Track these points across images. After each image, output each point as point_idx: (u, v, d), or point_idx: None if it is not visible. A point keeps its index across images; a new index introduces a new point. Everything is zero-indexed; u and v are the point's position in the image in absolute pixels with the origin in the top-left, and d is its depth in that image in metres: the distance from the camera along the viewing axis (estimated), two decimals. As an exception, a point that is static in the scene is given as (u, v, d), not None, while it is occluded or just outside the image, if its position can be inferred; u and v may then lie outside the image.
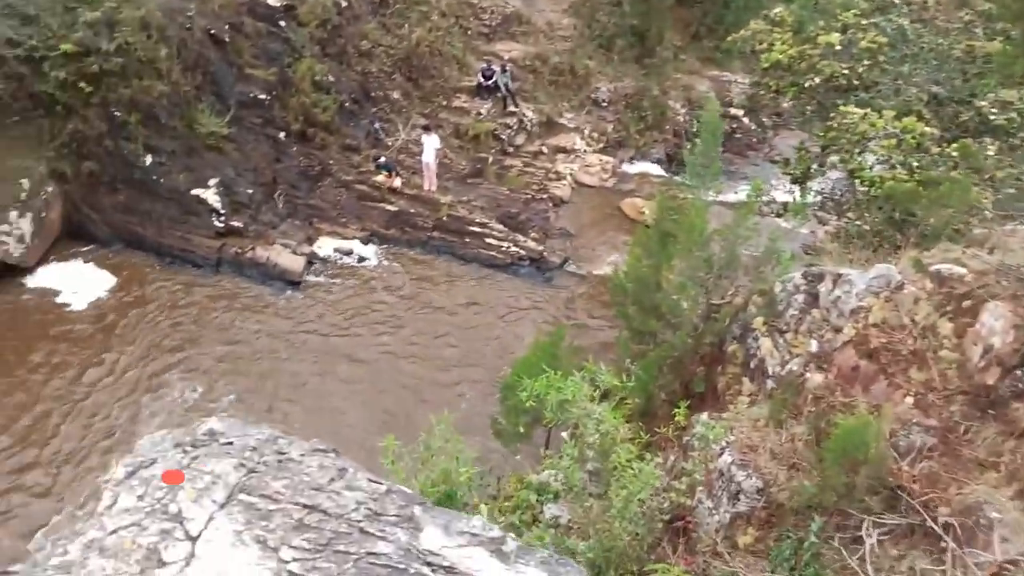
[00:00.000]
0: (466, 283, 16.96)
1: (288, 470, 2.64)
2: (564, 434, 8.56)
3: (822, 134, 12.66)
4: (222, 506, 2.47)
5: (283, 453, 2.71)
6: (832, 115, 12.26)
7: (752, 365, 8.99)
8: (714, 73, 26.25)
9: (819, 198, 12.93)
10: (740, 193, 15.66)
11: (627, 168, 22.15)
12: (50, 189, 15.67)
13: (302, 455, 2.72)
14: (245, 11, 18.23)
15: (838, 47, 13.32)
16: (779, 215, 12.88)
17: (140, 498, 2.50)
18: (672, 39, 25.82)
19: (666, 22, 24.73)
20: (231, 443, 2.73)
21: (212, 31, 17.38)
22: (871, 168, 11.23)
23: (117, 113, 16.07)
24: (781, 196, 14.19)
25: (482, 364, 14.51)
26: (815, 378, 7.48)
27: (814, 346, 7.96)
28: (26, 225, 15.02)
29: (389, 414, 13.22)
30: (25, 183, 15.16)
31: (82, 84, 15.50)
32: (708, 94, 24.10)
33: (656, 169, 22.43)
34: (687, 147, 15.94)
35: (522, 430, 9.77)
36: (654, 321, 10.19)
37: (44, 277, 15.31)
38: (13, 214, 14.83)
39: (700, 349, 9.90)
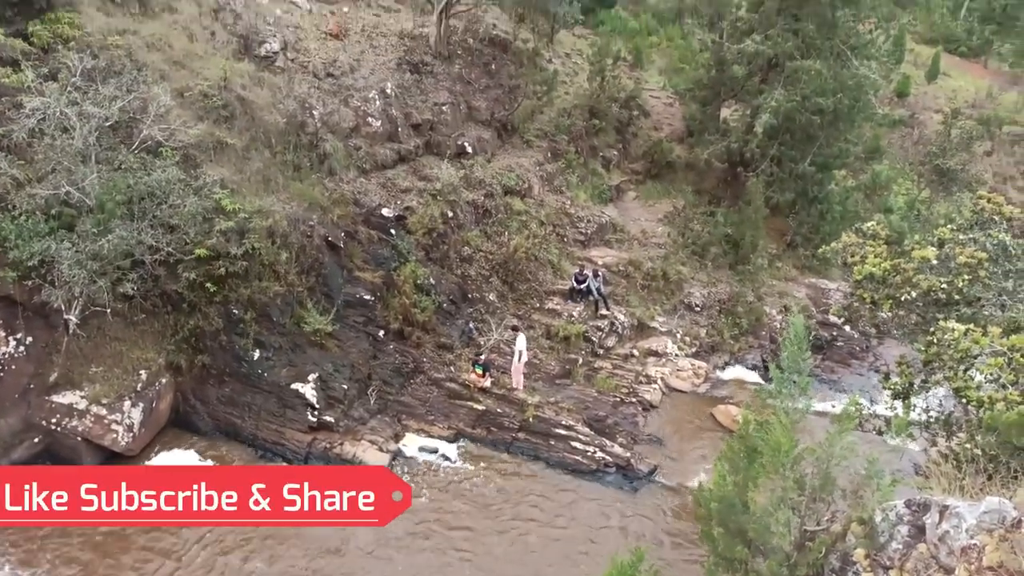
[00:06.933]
0: (547, 490, 16.24)
1: None
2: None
3: (924, 349, 12.08)
4: None
5: None
6: (933, 330, 11.75)
7: (854, 605, 8.12)
8: (812, 280, 26.16)
9: (924, 416, 12.06)
10: (840, 405, 14.86)
11: (720, 374, 21.64)
12: (164, 380, 16.47)
13: None
14: (361, 220, 19.82)
15: (934, 261, 13.06)
16: (880, 432, 12.04)
17: None
18: (767, 247, 26.16)
19: (760, 231, 25.19)
20: None
21: (329, 238, 18.81)
22: (978, 388, 10.48)
23: (235, 311, 17.06)
24: (884, 410, 13.36)
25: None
26: (923, 628, 6.64)
27: (922, 589, 7.12)
28: (136, 415, 15.63)
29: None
30: (143, 374, 16.09)
31: (208, 284, 16.53)
32: (803, 301, 23.93)
33: (751, 375, 21.82)
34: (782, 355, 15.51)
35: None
36: (741, 547, 9.40)
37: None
38: (127, 404, 15.54)
39: (795, 582, 8.98)
